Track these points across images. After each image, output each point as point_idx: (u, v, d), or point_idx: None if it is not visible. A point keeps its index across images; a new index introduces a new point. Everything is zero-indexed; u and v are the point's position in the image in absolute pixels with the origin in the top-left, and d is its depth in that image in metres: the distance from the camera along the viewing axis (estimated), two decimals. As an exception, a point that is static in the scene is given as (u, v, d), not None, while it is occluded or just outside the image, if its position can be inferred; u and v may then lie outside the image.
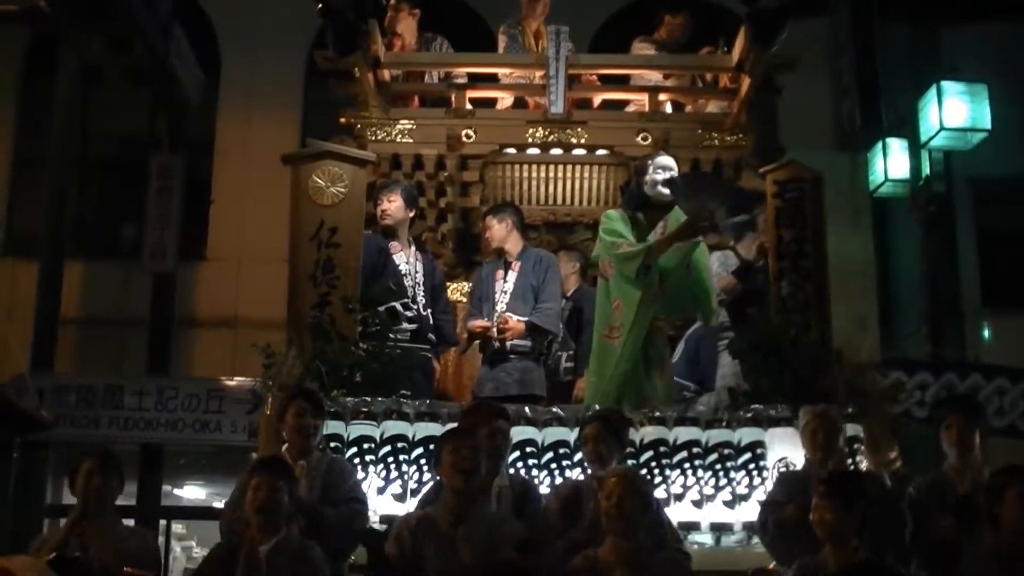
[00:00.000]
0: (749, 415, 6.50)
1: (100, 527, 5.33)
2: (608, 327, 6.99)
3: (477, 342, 7.62)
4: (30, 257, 11.94)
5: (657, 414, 6.47)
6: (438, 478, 5.50)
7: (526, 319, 7.43)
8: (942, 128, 11.90)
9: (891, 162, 12.82)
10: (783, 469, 6.24)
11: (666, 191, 7.06)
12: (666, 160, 7.24)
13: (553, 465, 6.30)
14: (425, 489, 5.97)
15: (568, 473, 6.29)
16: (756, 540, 5.97)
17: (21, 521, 11.13)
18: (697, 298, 7.18)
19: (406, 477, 6.13)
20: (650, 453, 6.31)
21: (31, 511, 11.36)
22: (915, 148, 12.52)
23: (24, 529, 10.91)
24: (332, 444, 6.09)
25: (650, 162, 7.24)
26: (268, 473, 5.04)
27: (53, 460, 11.60)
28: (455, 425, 5.91)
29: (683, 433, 6.44)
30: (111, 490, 5.48)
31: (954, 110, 11.92)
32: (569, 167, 8.64)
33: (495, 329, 7.43)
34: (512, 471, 6.00)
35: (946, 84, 12.02)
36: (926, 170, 12.43)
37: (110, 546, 5.20)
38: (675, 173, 7.19)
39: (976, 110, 11.92)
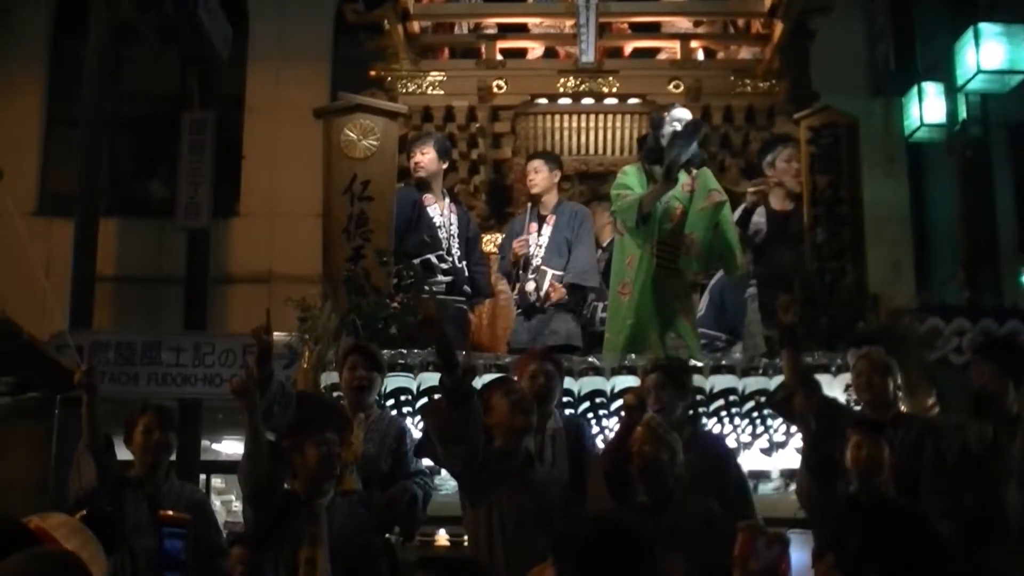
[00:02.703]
0: (785, 362, 6.48)
1: (154, 483, 5.38)
2: (621, 282, 7.04)
3: (516, 296, 7.61)
4: (65, 216, 12.00)
5: (694, 363, 6.46)
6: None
7: (565, 283, 7.42)
8: (979, 71, 11.71)
9: (926, 107, 12.64)
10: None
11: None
12: (682, 112, 7.18)
13: (590, 415, 6.32)
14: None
15: (604, 423, 6.31)
16: (793, 487, 5.97)
17: (63, 477, 11.27)
18: (723, 254, 7.17)
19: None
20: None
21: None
22: (951, 92, 12.34)
23: (65, 485, 11.05)
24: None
25: (666, 115, 7.20)
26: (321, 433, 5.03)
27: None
28: (497, 375, 5.92)
29: (719, 382, 6.45)
30: (168, 445, 5.51)
31: (991, 52, 11.71)
32: (601, 117, 8.59)
33: (540, 297, 7.41)
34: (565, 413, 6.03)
35: (983, 26, 11.81)
36: (962, 114, 12.26)
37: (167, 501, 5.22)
38: None
39: (1014, 52, 11.71)
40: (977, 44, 11.73)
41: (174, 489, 5.49)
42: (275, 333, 10.78)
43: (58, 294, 11.01)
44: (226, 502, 13.49)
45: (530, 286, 7.50)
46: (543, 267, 7.50)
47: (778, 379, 6.37)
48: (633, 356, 6.60)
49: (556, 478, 5.22)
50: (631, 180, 7.09)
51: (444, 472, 5.53)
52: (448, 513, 5.71)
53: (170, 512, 3.52)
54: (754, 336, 7.35)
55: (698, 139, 7.08)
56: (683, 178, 7.06)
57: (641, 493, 4.78)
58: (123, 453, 5.69)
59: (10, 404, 7.16)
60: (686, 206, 7.08)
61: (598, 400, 6.37)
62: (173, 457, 5.62)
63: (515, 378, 5.54)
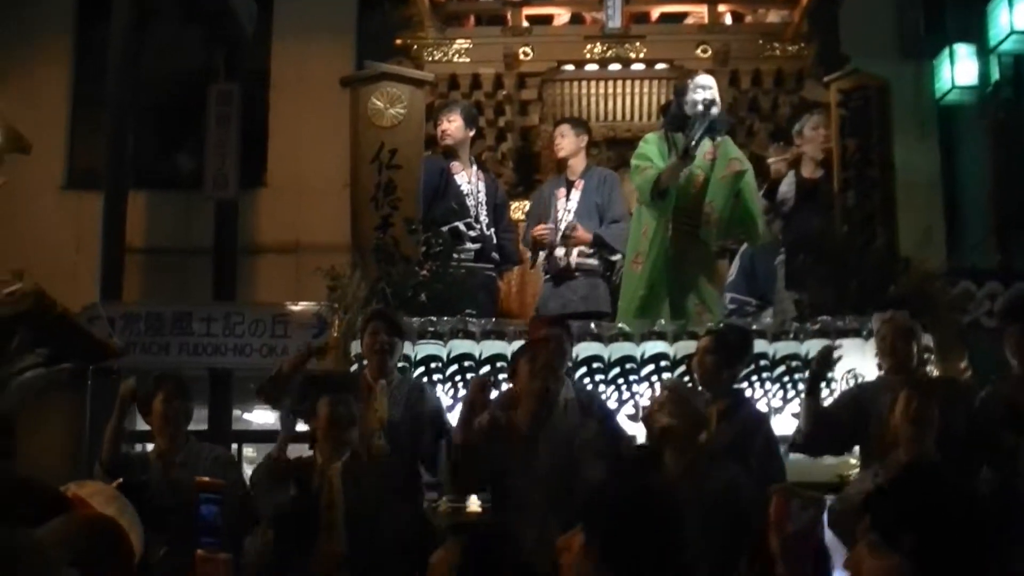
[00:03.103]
0: (817, 327, 6.46)
1: (176, 451, 5.43)
2: (635, 253, 7.00)
3: (543, 259, 7.60)
4: (94, 189, 12.05)
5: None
6: (503, 392, 5.54)
7: (593, 232, 7.42)
8: (1012, 32, 11.53)
9: (958, 69, 12.48)
10: (852, 380, 6.21)
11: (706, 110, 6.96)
12: (705, 79, 7.12)
13: (620, 380, 6.33)
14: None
15: (635, 388, 6.31)
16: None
17: (96, 447, 11.38)
18: (744, 223, 7.13)
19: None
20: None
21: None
22: (983, 53, 12.18)
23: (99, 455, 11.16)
24: (400, 364, 6.14)
25: (689, 81, 7.14)
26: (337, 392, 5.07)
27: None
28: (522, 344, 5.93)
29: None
30: (186, 413, 5.59)
31: (1025, 12, 11.55)
32: (628, 83, 8.54)
33: (561, 234, 7.39)
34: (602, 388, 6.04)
35: (1016, -15, 11.64)
36: (995, 76, 12.09)
37: (190, 468, 5.28)
38: (714, 92, 7.06)
39: (1049, 11, 11.54)
40: (1010, 4, 11.55)
41: (194, 451, 5.58)
42: (303, 303, 10.91)
43: (88, 267, 11.10)
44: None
45: (559, 252, 7.48)
46: (575, 222, 7.49)
47: (810, 344, 6.36)
48: (663, 322, 6.59)
49: (568, 445, 5.19)
50: (651, 150, 7.04)
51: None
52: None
53: (205, 479, 3.54)
54: (783, 302, 7.31)
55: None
56: (706, 146, 7.02)
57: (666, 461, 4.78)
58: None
59: (44, 375, 7.19)
60: (707, 174, 7.04)
61: (628, 366, 6.37)
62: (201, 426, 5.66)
63: (539, 342, 5.56)
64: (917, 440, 4.84)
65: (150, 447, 5.78)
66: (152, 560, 2.28)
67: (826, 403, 5.71)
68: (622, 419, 6.12)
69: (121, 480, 3.89)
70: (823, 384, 6.07)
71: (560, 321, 5.92)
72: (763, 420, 5.76)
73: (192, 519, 2.50)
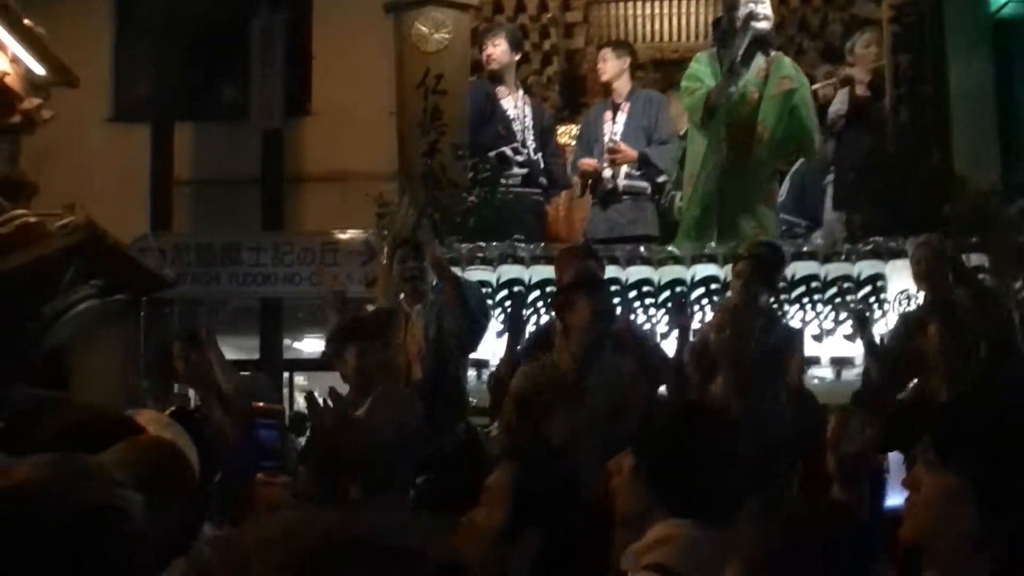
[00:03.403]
0: (868, 247, 6.39)
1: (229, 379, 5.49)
2: (689, 173, 6.93)
3: (590, 183, 7.56)
4: (141, 121, 12.10)
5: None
6: (542, 326, 5.54)
7: (639, 151, 7.36)
8: (1072, -60, 11.24)
9: (1014, -20, 12.18)
10: (904, 301, 6.16)
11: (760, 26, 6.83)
12: None
13: (671, 304, 6.29)
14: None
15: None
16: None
17: (151, 378, 11.55)
18: (799, 140, 7.01)
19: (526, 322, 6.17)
20: (768, 289, 6.25)
21: (160, 368, 11.77)
22: (1039, -36, 11.87)
23: (154, 386, 11.33)
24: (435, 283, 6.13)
25: None
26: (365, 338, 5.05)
27: (179, 317, 11.94)
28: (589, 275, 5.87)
29: (800, 268, 6.38)
30: (209, 363, 5.61)
31: (1087, -83, 11.22)
32: (674, 2, 8.42)
33: (606, 152, 7.33)
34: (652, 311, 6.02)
35: None
36: (1052, -13, 11.80)
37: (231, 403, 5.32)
38: (766, 6, 6.92)
39: (1111, -84, 11.21)
40: (1069, -90, 11.22)
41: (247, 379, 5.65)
42: (351, 231, 10.93)
43: (137, 199, 11.17)
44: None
45: (607, 174, 7.43)
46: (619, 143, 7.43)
47: (862, 265, 6.30)
48: (713, 244, 6.54)
49: (615, 383, 5.15)
50: (702, 70, 6.94)
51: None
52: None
53: (263, 404, 3.59)
54: (830, 224, 7.23)
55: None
56: (759, 63, 6.90)
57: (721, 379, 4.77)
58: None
59: (97, 307, 7.26)
60: (761, 91, 6.92)
61: (678, 289, 6.34)
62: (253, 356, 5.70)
63: (559, 270, 5.54)
64: (949, 366, 4.80)
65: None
66: (208, 486, 2.32)
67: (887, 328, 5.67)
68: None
69: (174, 408, 3.93)
70: (876, 306, 6.04)
71: (591, 252, 5.86)
72: (797, 338, 5.69)
73: (249, 444, 2.53)
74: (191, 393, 5.84)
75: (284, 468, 2.29)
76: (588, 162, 7.43)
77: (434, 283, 5.91)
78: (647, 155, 7.39)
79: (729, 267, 6.28)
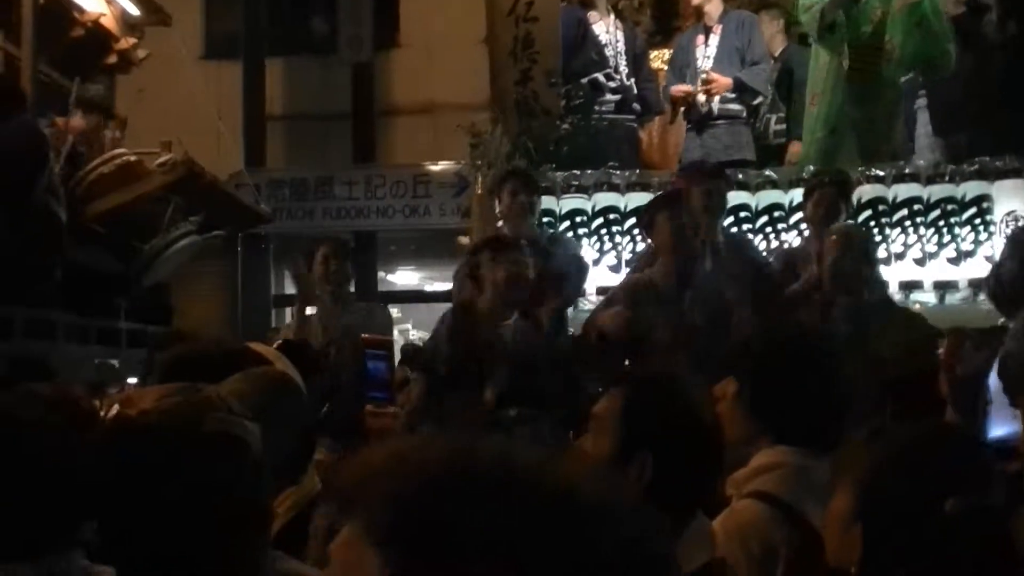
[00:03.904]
0: (974, 168, 6.21)
1: (338, 310, 5.54)
2: (812, 93, 6.76)
3: (683, 109, 7.45)
4: (231, 58, 12.20)
5: (875, 172, 6.25)
6: (648, 246, 5.50)
7: (733, 77, 7.22)
8: None
9: None
10: (1012, 223, 5.99)
11: None
12: None
13: (768, 229, 6.21)
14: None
15: (783, 236, 6.19)
16: (982, 297, 5.77)
17: (249, 311, 11.77)
18: (930, 55, 6.74)
19: (619, 248, 6.14)
20: (868, 212, 6.14)
21: (258, 301, 11.99)
22: None
23: (252, 319, 11.54)
24: (545, 219, 6.12)
25: None
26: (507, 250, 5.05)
27: (274, 252, 12.12)
28: (666, 191, 5.84)
29: (903, 190, 6.23)
30: (347, 274, 5.67)
31: None
32: (770, -81, 8.17)
33: (700, 85, 7.21)
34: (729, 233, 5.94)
35: None
36: None
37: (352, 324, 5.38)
38: None
39: None
40: None
41: (354, 309, 5.67)
42: (443, 162, 10.95)
43: (231, 135, 11.30)
44: (403, 331, 13.85)
45: (700, 98, 7.31)
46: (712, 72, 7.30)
47: (967, 187, 6.14)
48: (811, 168, 6.40)
49: (717, 298, 5.13)
50: None
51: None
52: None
53: (372, 335, 3.61)
54: (923, 150, 7.01)
55: None
56: None
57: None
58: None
59: (197, 243, 7.40)
60: (886, 7, 6.69)
61: (776, 214, 6.24)
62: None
63: (684, 187, 5.48)
64: None
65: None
66: (316, 417, 2.36)
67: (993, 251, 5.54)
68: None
69: (281, 341, 3.98)
70: (981, 229, 5.89)
71: (714, 170, 5.79)
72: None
73: (359, 375, 2.55)
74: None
75: (393, 399, 2.31)
76: (680, 88, 7.32)
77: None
78: (741, 79, 7.26)
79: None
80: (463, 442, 0.90)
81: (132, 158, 7.08)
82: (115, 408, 1.54)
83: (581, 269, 5.82)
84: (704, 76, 7.19)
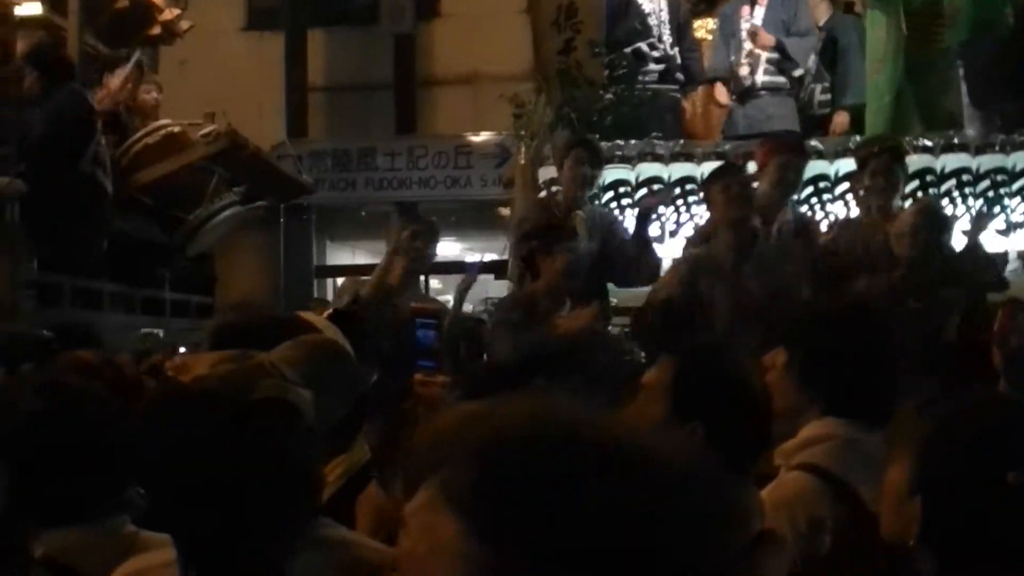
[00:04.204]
0: (1024, 138, 6.13)
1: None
2: (875, 60, 6.66)
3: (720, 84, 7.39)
4: (273, 29, 12.22)
5: (923, 142, 6.17)
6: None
7: (776, 38, 7.15)
8: None
9: None
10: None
11: None
12: None
13: (813, 199, 6.16)
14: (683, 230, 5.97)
15: (828, 207, 6.14)
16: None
17: (291, 282, 11.83)
18: (989, 17, 6.62)
19: (663, 219, 6.11)
20: (916, 183, 6.06)
21: (300, 271, 12.05)
22: None
23: (295, 288, 11.60)
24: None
25: None
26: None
27: (316, 223, 12.17)
28: (721, 164, 5.80)
29: (951, 160, 6.15)
30: (427, 257, 5.58)
31: None
32: None
33: (747, 34, 7.14)
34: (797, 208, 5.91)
35: None
36: None
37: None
38: None
39: None
40: None
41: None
42: (484, 133, 10.92)
43: (273, 106, 11.34)
44: (444, 302, 13.85)
45: (743, 70, 7.24)
46: (756, 50, 7.21)
47: (1018, 156, 6.05)
48: (857, 138, 6.34)
49: (777, 272, 5.10)
50: None
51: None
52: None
53: (422, 304, 3.62)
54: (970, 118, 6.90)
55: None
56: None
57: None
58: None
59: (241, 213, 7.44)
60: None
61: (821, 185, 6.18)
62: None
63: (759, 166, 5.45)
64: None
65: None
66: (366, 386, 2.37)
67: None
68: None
69: (332, 309, 3.99)
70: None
71: (796, 144, 5.74)
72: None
73: (407, 344, 2.56)
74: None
75: (442, 368, 2.31)
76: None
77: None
78: (784, 46, 7.17)
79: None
80: (537, 403, 0.90)
81: (176, 129, 7.13)
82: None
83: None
84: (750, 28, 7.12)
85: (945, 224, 5.01)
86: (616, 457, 0.84)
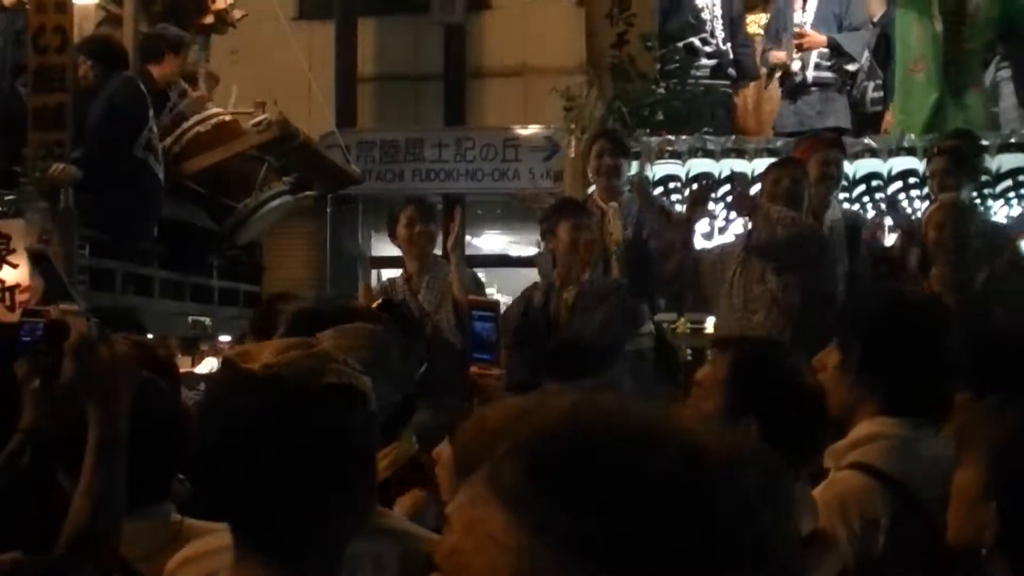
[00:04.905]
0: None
1: (425, 271, 5.54)
2: (912, 59, 6.60)
3: (778, 75, 7.33)
4: (324, 18, 12.25)
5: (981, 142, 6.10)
6: None
7: (827, 36, 7.09)
8: None
9: None
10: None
11: None
12: None
13: (865, 198, 6.10)
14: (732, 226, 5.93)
15: (881, 206, 6.09)
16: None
17: (337, 272, 11.88)
18: (1012, 16, 6.58)
19: (714, 214, 6.07)
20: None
21: (347, 262, 12.10)
22: None
23: (341, 279, 11.65)
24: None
25: None
26: (575, 215, 5.07)
27: (363, 213, 12.21)
28: (776, 159, 5.77)
29: (1007, 161, 6.07)
30: (432, 235, 5.63)
31: None
32: None
33: (793, 38, 7.09)
34: (846, 206, 5.87)
35: None
36: None
37: (436, 291, 5.40)
38: None
39: None
40: None
41: (440, 272, 5.63)
42: (533, 126, 10.90)
43: (323, 96, 11.37)
44: (488, 294, 13.85)
45: (795, 66, 7.19)
46: (806, 28, 7.17)
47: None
48: (912, 136, 6.27)
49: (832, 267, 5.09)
50: None
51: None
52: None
53: (479, 296, 3.61)
54: (1012, 122, 6.81)
55: None
56: None
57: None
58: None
59: (290, 203, 7.47)
60: None
61: (874, 183, 6.12)
62: (438, 251, 5.71)
63: (800, 156, 5.42)
64: None
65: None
66: (415, 376, 2.37)
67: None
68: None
69: (380, 300, 4.00)
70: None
71: (832, 139, 5.71)
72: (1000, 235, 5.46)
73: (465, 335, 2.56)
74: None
75: (498, 361, 2.31)
76: (776, 55, 7.22)
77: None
78: (837, 42, 7.11)
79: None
80: (583, 396, 0.89)
81: (228, 118, 7.16)
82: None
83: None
84: (797, 30, 7.07)
85: (969, 221, 4.96)
86: (668, 447, 0.83)
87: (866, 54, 7.27)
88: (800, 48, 7.07)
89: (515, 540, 0.82)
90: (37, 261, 5.79)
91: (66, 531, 2.01)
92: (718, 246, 5.53)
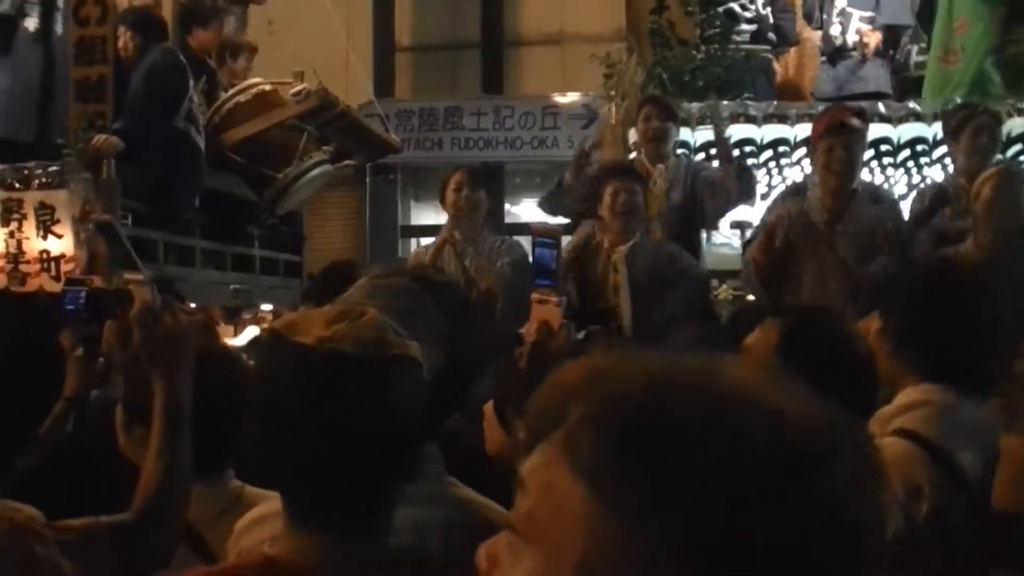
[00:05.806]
0: None
1: (471, 239, 5.55)
2: (945, 48, 6.45)
3: (820, 43, 7.26)
4: (363, -14, 12.23)
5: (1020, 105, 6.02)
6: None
7: (877, 26, 6.99)
8: None
9: None
10: None
11: None
12: None
13: (910, 163, 6.04)
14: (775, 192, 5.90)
15: (926, 171, 6.02)
16: None
17: (377, 241, 11.91)
18: None
19: (755, 180, 6.03)
20: (1020, 146, 5.93)
21: (385, 232, 12.12)
22: None
23: (380, 249, 11.68)
24: (680, 151, 6.04)
25: None
26: (624, 178, 5.07)
27: (401, 182, 12.22)
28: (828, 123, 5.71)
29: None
30: (479, 202, 5.65)
31: None
32: None
33: (848, 44, 7.01)
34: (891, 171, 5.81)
35: None
36: None
37: (483, 257, 5.42)
38: None
39: None
40: None
41: (487, 242, 5.64)
42: (571, 94, 10.84)
43: (361, 65, 11.35)
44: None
45: (835, 30, 7.12)
46: (848, 8, 7.07)
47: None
48: (958, 99, 6.19)
49: (867, 236, 5.03)
50: None
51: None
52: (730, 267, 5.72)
53: (542, 223, 3.61)
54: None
55: None
56: None
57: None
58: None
59: (329, 172, 7.48)
60: None
61: (919, 148, 6.05)
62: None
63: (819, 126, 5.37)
64: None
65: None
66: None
67: None
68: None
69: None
70: None
71: (857, 109, 5.64)
72: None
73: (533, 269, 2.58)
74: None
75: (558, 286, 2.32)
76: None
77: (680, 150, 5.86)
78: (888, 24, 7.00)
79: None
80: (662, 359, 0.87)
81: (267, 87, 7.17)
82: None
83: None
84: (859, 38, 6.97)
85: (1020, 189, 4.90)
86: (754, 430, 0.81)
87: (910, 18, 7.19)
88: (865, 57, 6.97)
89: (590, 510, 0.81)
90: (102, 230, 5.85)
91: (138, 497, 2.04)
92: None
